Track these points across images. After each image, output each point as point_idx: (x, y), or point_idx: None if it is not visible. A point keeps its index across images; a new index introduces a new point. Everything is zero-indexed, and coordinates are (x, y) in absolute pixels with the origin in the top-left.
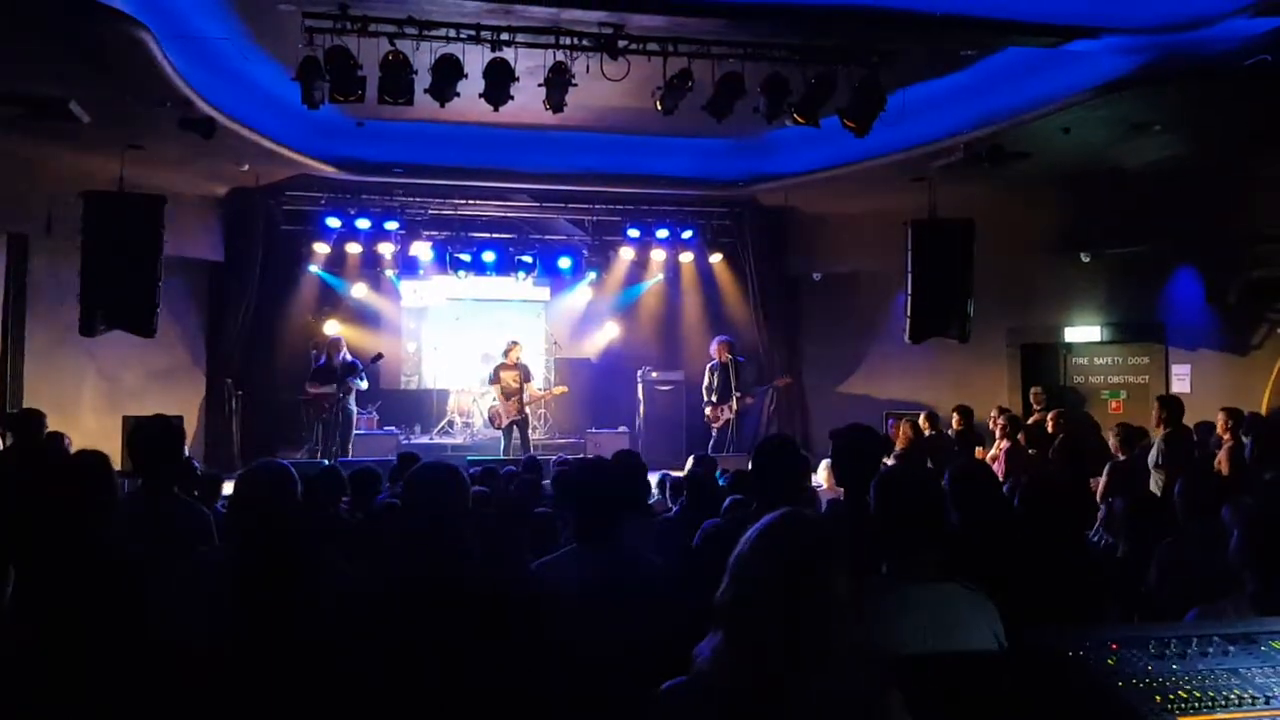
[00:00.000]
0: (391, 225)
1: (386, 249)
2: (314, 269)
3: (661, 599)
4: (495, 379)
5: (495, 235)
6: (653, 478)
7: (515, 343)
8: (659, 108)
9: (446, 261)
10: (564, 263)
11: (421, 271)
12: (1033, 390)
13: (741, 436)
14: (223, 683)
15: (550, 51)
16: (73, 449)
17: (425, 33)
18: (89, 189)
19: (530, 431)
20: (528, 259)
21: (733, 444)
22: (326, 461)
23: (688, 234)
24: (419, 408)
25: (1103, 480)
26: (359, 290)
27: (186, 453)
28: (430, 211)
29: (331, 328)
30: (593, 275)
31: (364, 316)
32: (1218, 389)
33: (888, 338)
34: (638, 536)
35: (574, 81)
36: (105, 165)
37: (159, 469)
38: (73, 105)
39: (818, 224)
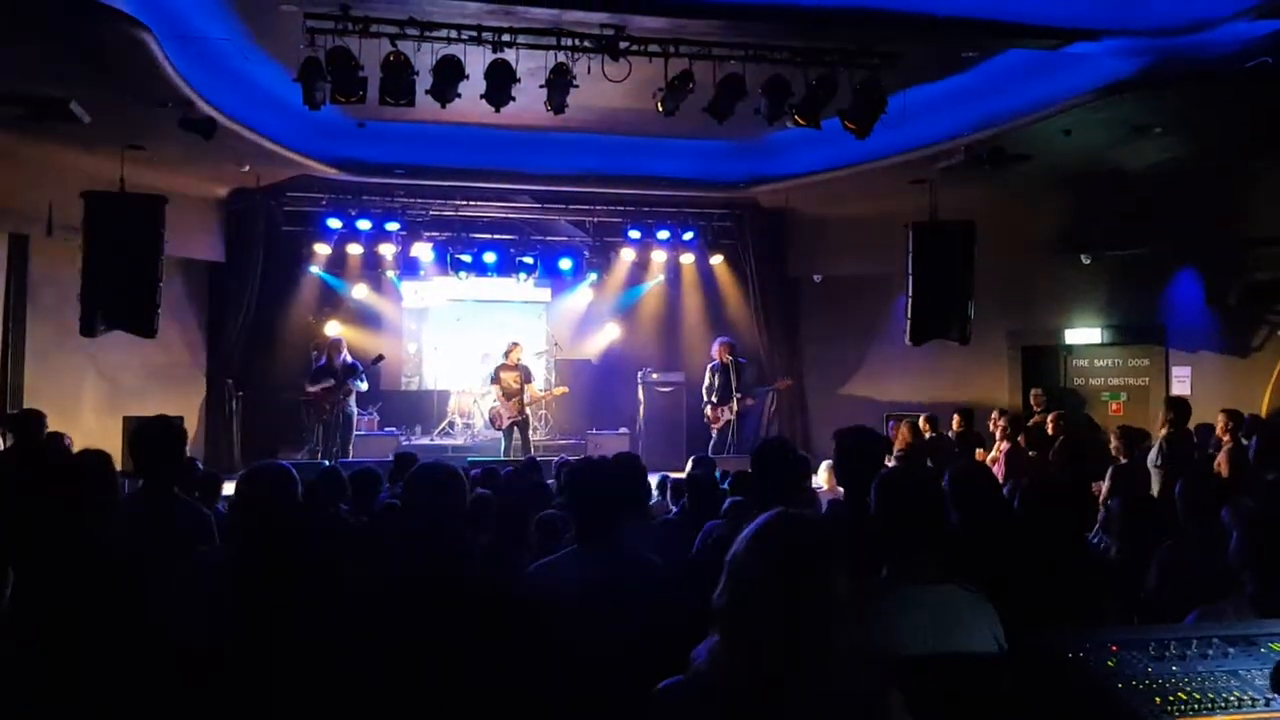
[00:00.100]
0: (392, 226)
1: (387, 250)
2: (315, 270)
3: (661, 599)
4: (496, 380)
5: (496, 236)
6: (653, 479)
7: (516, 344)
8: (660, 109)
9: (447, 262)
10: (565, 264)
11: (422, 272)
12: (1033, 392)
13: (742, 438)
14: (223, 683)
15: (551, 53)
16: (74, 449)
17: (427, 34)
18: (90, 189)
19: (531, 432)
20: (529, 260)
21: (733, 446)
22: (327, 462)
23: (688, 235)
24: (419, 409)
25: (1106, 483)
26: (360, 291)
27: (188, 453)
28: (431, 212)
29: (332, 329)
30: (593, 276)
31: (365, 317)
32: (1218, 391)
33: (888, 339)
34: (638, 537)
35: (575, 83)
36: (106, 165)
37: (160, 469)
38: (73, 105)
39: (818, 225)
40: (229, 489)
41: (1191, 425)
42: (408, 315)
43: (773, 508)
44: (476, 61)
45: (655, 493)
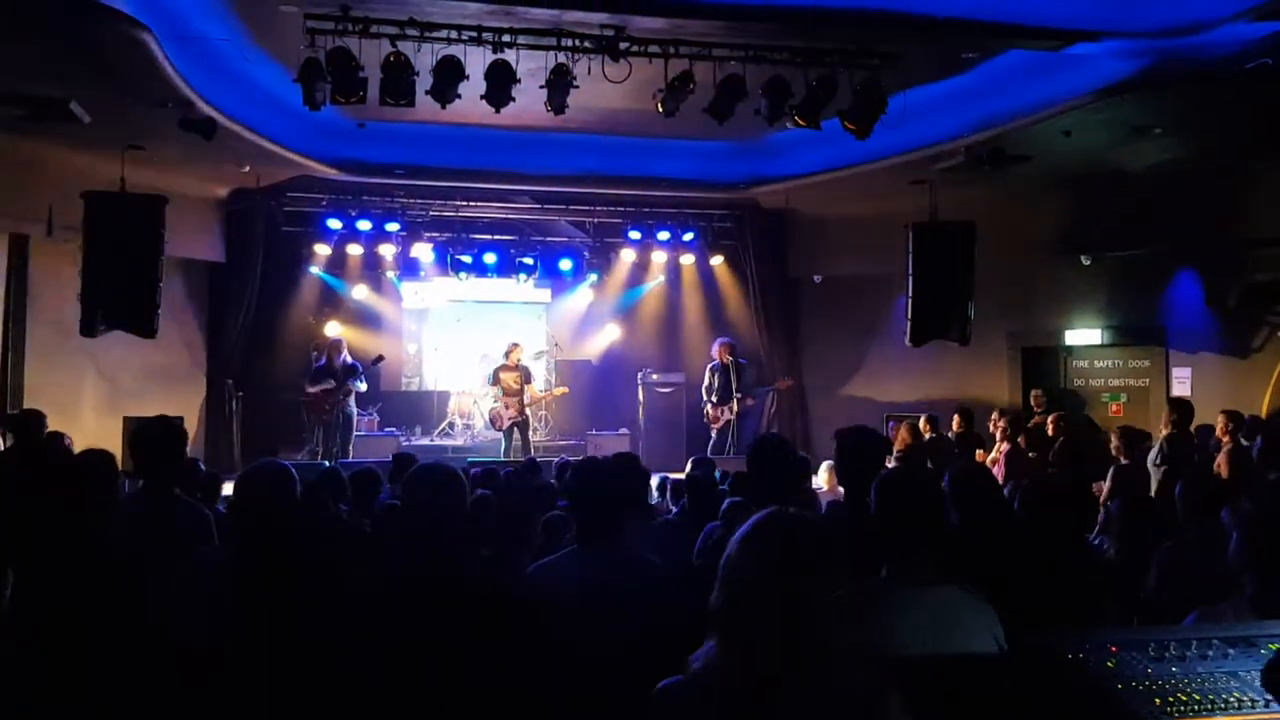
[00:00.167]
0: (392, 227)
1: (387, 250)
2: (315, 270)
3: (661, 600)
4: (496, 380)
5: (496, 237)
6: (653, 480)
7: (516, 344)
8: (660, 109)
9: (447, 263)
10: (565, 264)
11: (422, 273)
12: (1033, 393)
13: (742, 439)
14: (223, 683)
15: (552, 53)
16: (74, 449)
17: (427, 34)
18: (90, 189)
19: (531, 433)
20: (529, 261)
21: (733, 446)
22: (327, 463)
23: (689, 236)
24: (419, 409)
25: (1107, 483)
26: (360, 292)
27: (188, 454)
28: (431, 213)
29: (332, 329)
30: (594, 277)
31: (365, 318)
32: (1218, 392)
33: (888, 340)
34: (638, 537)
35: (575, 83)
36: (106, 166)
37: (160, 469)
38: (74, 106)
39: (818, 226)
40: (229, 489)
41: (1192, 426)
42: (408, 316)
43: (769, 506)
44: (476, 62)
45: (655, 493)
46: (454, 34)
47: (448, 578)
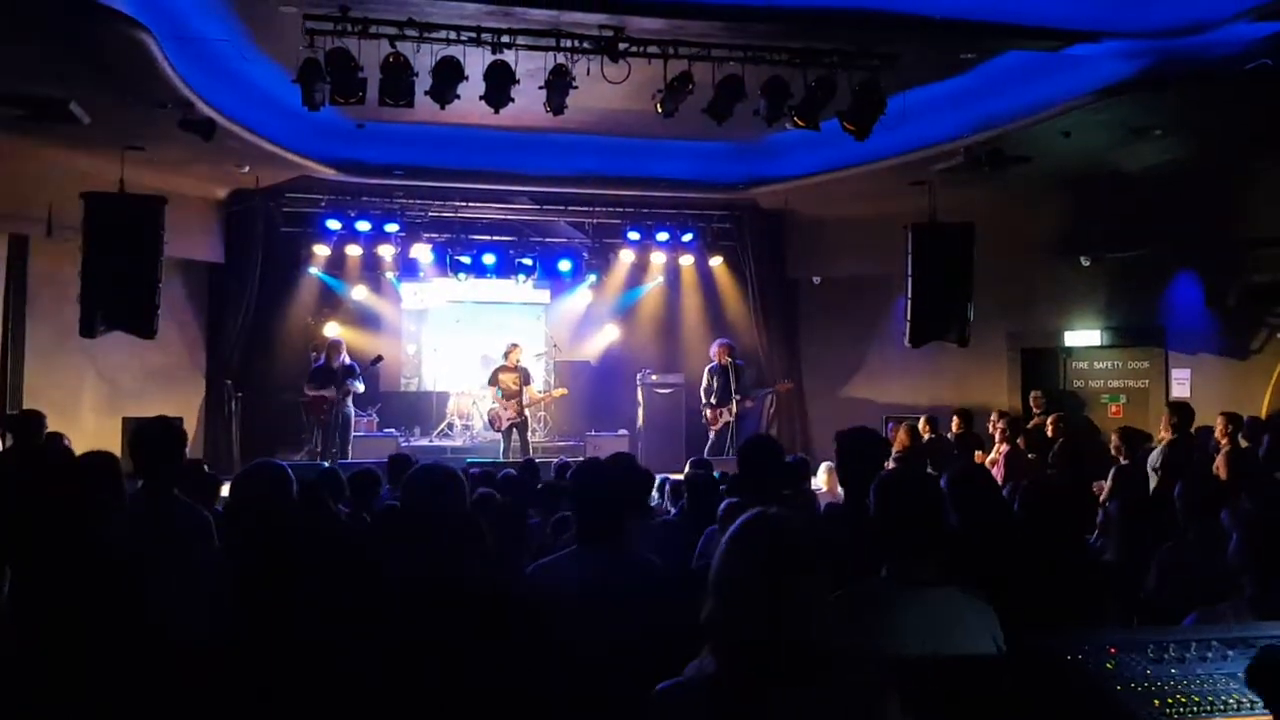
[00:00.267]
0: (392, 227)
1: (387, 251)
2: (314, 271)
3: (661, 600)
4: (495, 381)
5: (495, 238)
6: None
7: (515, 345)
8: (659, 110)
9: (447, 264)
10: (564, 265)
11: (422, 274)
12: (1032, 394)
13: (740, 440)
14: (222, 683)
15: (550, 54)
16: (72, 450)
17: (426, 35)
18: (89, 190)
19: (530, 434)
20: (528, 261)
21: (732, 448)
22: (326, 463)
23: (688, 237)
24: (419, 410)
25: (1108, 484)
26: (359, 292)
27: (189, 455)
28: (430, 214)
29: (331, 330)
30: (593, 278)
31: (364, 319)
32: (1218, 393)
33: (888, 341)
34: (638, 538)
35: (574, 84)
36: (105, 166)
37: (159, 470)
38: (73, 106)
39: (818, 227)
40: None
41: (1192, 428)
42: (407, 316)
43: (762, 505)
44: (476, 63)
45: (654, 494)
46: (453, 35)
47: (447, 578)
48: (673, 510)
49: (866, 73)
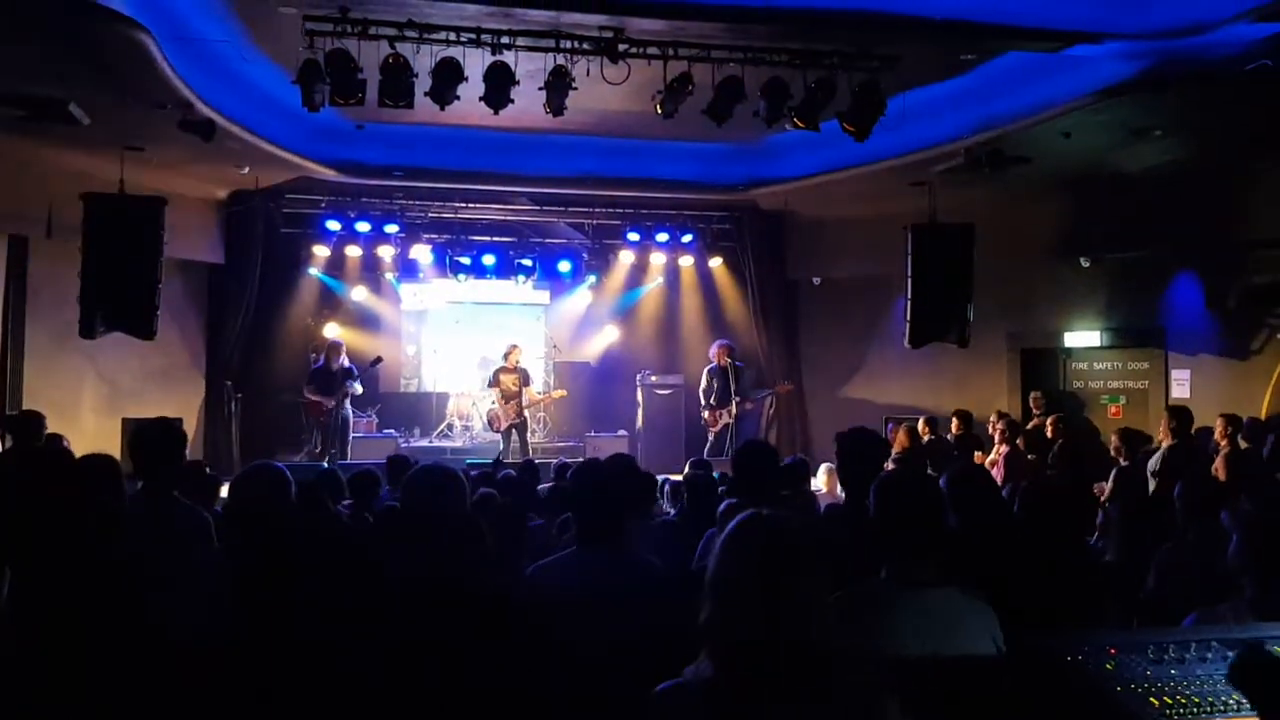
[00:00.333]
0: (391, 228)
1: (386, 252)
2: (314, 271)
3: (661, 601)
4: (494, 382)
5: (495, 239)
6: None
7: (515, 346)
8: (659, 111)
9: (446, 265)
10: (564, 266)
11: (421, 274)
12: (1032, 395)
13: (740, 441)
14: (222, 683)
15: (550, 55)
16: (71, 451)
17: (425, 36)
18: (89, 191)
19: (529, 435)
20: (527, 262)
21: (731, 449)
22: (326, 464)
23: (687, 238)
24: (418, 411)
25: (1109, 485)
26: (359, 293)
27: (189, 456)
28: (430, 215)
29: (331, 330)
30: (592, 279)
31: (364, 319)
32: (1217, 394)
33: (887, 342)
34: (637, 538)
35: (574, 85)
36: (105, 167)
37: (159, 471)
38: (73, 107)
39: (817, 228)
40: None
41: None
42: (406, 317)
43: (759, 508)
44: (475, 64)
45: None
46: (453, 36)
47: (447, 578)
48: (672, 511)
49: (866, 74)
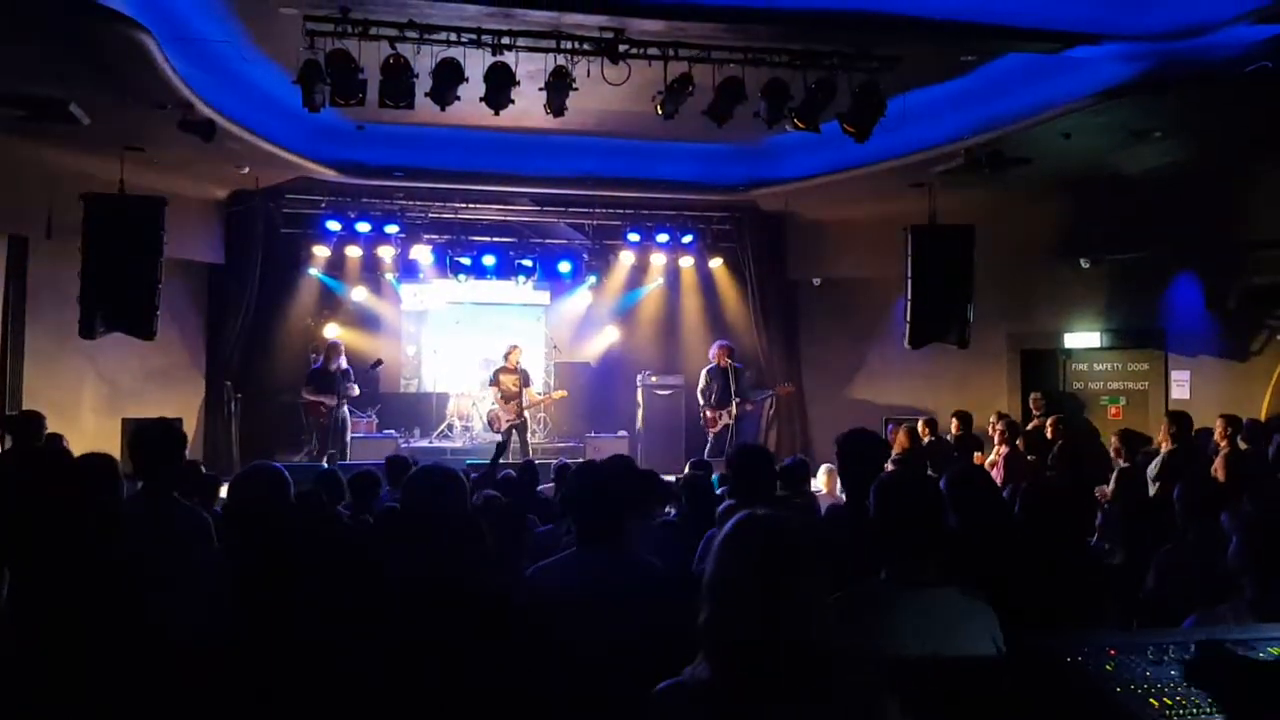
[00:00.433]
0: (392, 229)
1: (386, 252)
2: (314, 272)
3: (661, 601)
4: (494, 382)
5: (495, 239)
6: None
7: (515, 347)
8: (659, 112)
9: (447, 265)
10: (564, 267)
11: (421, 275)
12: (1032, 396)
13: (740, 442)
14: (222, 683)
15: (551, 55)
16: (71, 451)
17: (426, 36)
18: (89, 191)
19: (529, 435)
20: (528, 263)
21: (731, 450)
22: (325, 465)
23: (688, 239)
24: (418, 411)
25: (1111, 486)
26: (359, 293)
27: (188, 456)
28: (430, 215)
29: (331, 331)
30: (593, 279)
31: (364, 320)
32: (1217, 395)
33: (887, 343)
34: (637, 539)
35: (575, 85)
36: (105, 167)
37: (159, 472)
38: (73, 107)
39: (818, 229)
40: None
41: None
42: (407, 318)
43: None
44: (476, 64)
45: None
46: (453, 36)
47: (447, 578)
48: (672, 511)
49: (866, 75)
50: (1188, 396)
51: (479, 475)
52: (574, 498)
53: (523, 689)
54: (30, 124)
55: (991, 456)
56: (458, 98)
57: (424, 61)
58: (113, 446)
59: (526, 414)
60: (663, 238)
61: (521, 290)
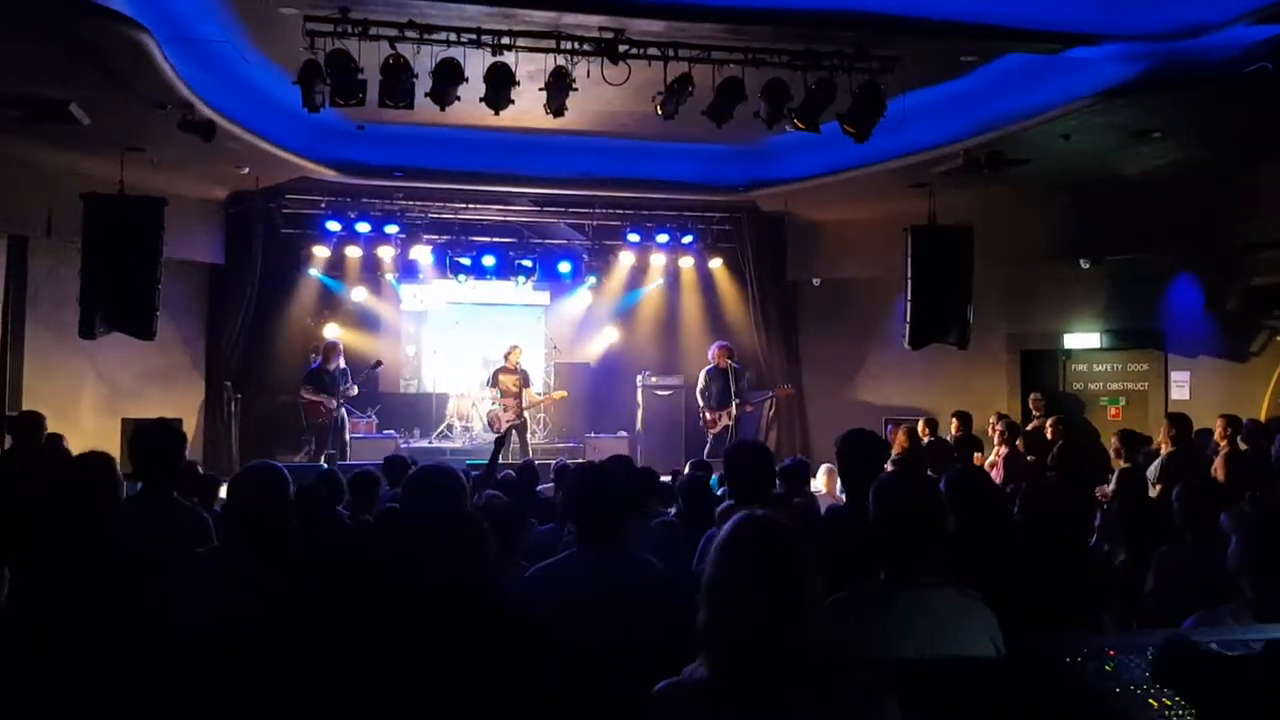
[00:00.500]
0: (391, 229)
1: (386, 252)
2: (314, 272)
3: (661, 601)
4: (494, 383)
5: (495, 239)
6: None
7: (515, 347)
8: (659, 112)
9: (446, 265)
10: (564, 267)
11: (421, 275)
12: (1032, 396)
13: (738, 439)
14: (222, 683)
15: (551, 55)
16: (70, 451)
17: (426, 36)
18: (89, 191)
19: (529, 436)
20: (528, 263)
21: None
22: (325, 465)
23: (688, 239)
24: (418, 411)
25: (1112, 486)
26: (359, 294)
27: (187, 456)
28: (430, 215)
29: (331, 331)
30: (592, 280)
31: (364, 320)
32: (1217, 396)
33: (887, 343)
34: (636, 539)
35: (574, 86)
36: (105, 167)
37: (159, 472)
38: (73, 107)
39: (817, 229)
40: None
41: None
42: (406, 318)
43: (752, 509)
44: (476, 64)
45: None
46: (453, 36)
47: (447, 578)
48: (671, 511)
49: (866, 75)
50: (1187, 397)
51: (479, 475)
52: (574, 497)
53: (523, 689)
54: (30, 124)
55: (991, 457)
56: (458, 98)
57: (424, 61)
58: (112, 446)
59: (526, 414)
60: (662, 238)
61: (521, 291)
